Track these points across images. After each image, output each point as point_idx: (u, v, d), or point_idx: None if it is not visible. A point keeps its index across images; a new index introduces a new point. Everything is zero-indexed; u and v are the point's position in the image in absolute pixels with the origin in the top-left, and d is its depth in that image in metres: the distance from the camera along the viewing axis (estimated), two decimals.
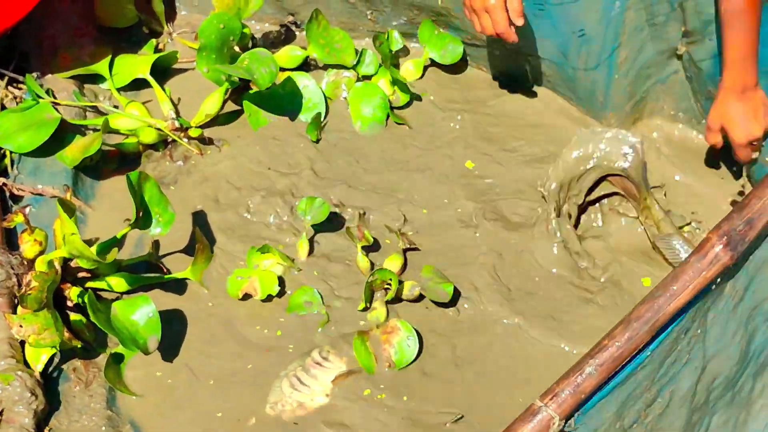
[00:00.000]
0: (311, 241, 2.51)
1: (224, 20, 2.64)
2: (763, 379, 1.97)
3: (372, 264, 2.48)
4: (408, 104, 2.83)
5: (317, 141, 2.71)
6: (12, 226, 2.31)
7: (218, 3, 2.73)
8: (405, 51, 2.89)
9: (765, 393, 2.00)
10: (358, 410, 2.26)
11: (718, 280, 2.01)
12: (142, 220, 2.34)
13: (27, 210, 2.40)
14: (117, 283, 2.37)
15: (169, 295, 2.42)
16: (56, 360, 2.27)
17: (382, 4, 2.83)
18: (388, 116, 2.78)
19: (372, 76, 2.82)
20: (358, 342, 2.31)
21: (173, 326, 2.37)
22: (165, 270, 2.44)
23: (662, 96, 2.75)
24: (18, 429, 2.06)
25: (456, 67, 2.89)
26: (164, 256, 2.47)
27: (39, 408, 2.12)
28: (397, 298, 2.42)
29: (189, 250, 2.47)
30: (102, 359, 2.29)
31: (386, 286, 2.39)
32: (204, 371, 2.32)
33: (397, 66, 2.86)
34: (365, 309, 2.40)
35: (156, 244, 2.43)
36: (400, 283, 2.40)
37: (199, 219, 2.54)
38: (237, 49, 2.72)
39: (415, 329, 2.34)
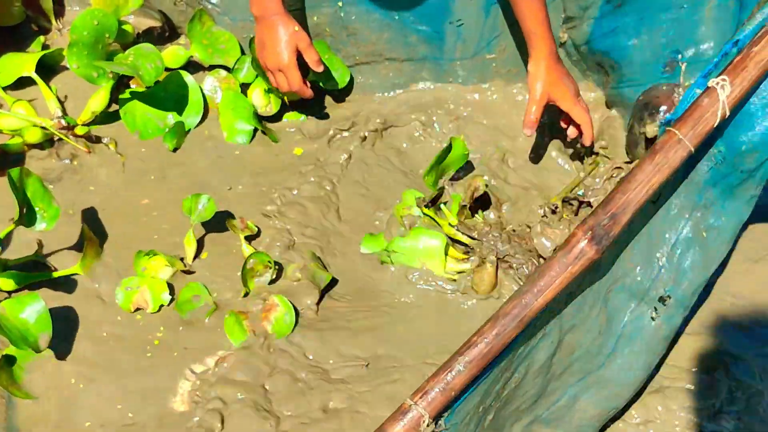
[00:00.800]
0: (199, 240, 2.50)
1: (98, 17, 2.61)
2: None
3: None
4: (279, 115, 2.81)
5: (174, 150, 2.69)
6: None
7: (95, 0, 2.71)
8: None
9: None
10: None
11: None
12: (26, 216, 2.30)
13: None
14: (3, 282, 2.32)
15: (60, 294, 2.38)
16: None
17: None
18: (256, 130, 2.75)
19: (250, 84, 2.78)
20: (231, 320, 2.30)
21: (66, 323, 2.33)
22: (52, 268, 2.40)
23: None
24: None
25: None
26: (52, 253, 2.44)
27: None
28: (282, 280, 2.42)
29: (78, 247, 2.43)
30: None
31: (274, 267, 2.38)
32: (102, 366, 2.29)
33: None
34: (247, 295, 2.39)
35: (42, 243, 2.39)
36: (282, 265, 2.40)
37: (87, 215, 2.51)
38: (117, 45, 2.69)
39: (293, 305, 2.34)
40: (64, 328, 2.31)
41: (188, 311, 2.36)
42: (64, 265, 2.42)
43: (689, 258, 2.15)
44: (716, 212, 2.11)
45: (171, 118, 2.72)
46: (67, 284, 2.40)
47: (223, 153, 2.71)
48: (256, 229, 2.47)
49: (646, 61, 2.46)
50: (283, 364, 2.27)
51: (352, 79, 2.85)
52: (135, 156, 2.66)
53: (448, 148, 2.52)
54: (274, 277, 2.39)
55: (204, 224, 2.51)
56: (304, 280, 2.38)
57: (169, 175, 2.64)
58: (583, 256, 1.92)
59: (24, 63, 2.68)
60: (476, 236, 2.44)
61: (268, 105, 2.76)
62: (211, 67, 2.81)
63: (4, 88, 2.68)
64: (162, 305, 2.38)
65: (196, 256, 2.47)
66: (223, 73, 2.80)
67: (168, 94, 2.73)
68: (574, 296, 2.08)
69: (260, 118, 2.76)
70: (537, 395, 2.11)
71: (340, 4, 2.72)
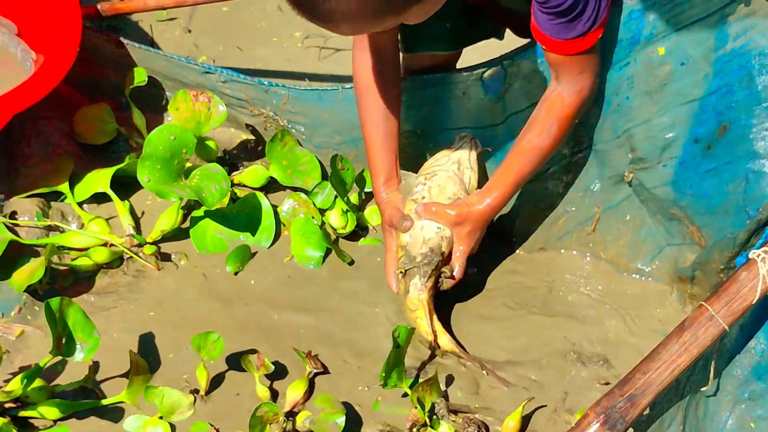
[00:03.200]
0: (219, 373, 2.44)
1: (175, 132, 2.59)
2: None
3: (274, 393, 2.37)
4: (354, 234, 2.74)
5: (236, 273, 2.64)
6: None
7: (176, 115, 2.71)
8: None
9: None
10: None
11: None
12: (66, 346, 2.30)
13: None
14: (48, 411, 2.32)
15: (107, 423, 2.35)
16: None
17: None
18: (329, 251, 2.68)
19: (327, 210, 2.73)
20: None
21: None
22: (99, 394, 2.38)
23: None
24: None
25: None
26: (105, 380, 2.42)
27: None
28: (295, 430, 2.30)
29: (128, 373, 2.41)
30: None
31: (282, 418, 2.27)
32: None
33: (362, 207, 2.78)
34: None
35: (94, 368, 2.38)
36: (295, 414, 2.31)
37: (142, 337, 2.49)
38: (200, 162, 2.70)
39: None
40: None
41: None
42: (114, 391, 2.39)
43: None
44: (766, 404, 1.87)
45: (243, 239, 2.68)
46: (114, 413, 2.36)
47: (290, 274, 2.66)
48: (273, 367, 2.37)
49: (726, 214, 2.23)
50: None
51: None
52: (200, 275, 2.63)
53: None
54: (286, 428, 2.29)
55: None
56: None
57: (231, 298, 2.59)
58: None
59: (99, 179, 2.70)
60: None
61: (345, 225, 2.69)
62: (293, 188, 2.77)
63: (82, 203, 2.70)
64: None
65: (212, 390, 2.40)
66: (304, 196, 2.75)
67: (242, 215, 2.70)
68: None
69: (337, 239, 2.70)
70: None
71: (418, 131, 2.66)
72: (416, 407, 2.26)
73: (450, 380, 2.43)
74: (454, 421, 2.29)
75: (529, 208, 2.63)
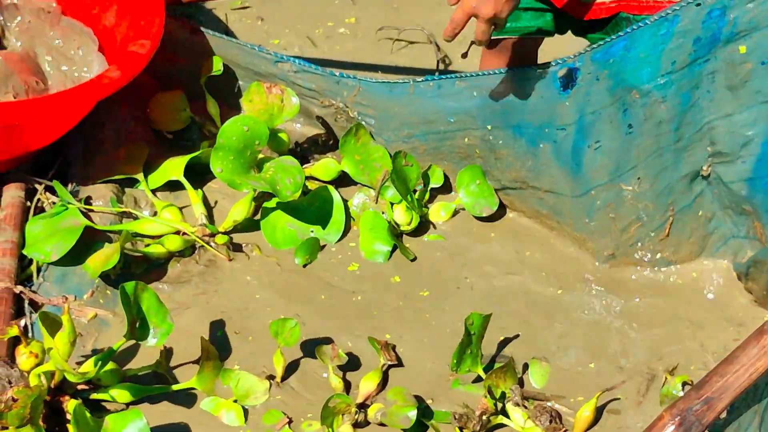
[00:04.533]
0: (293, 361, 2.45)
1: (249, 123, 2.61)
2: None
3: (347, 383, 2.38)
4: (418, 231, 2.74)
5: (304, 266, 2.66)
6: (5, 339, 2.33)
7: (249, 107, 2.72)
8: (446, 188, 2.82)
9: None
10: None
11: None
12: (139, 330, 2.32)
13: (24, 321, 2.42)
14: (119, 394, 2.35)
15: (177, 408, 2.37)
16: None
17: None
18: (393, 250, 2.69)
19: (395, 204, 2.74)
20: None
21: None
22: (169, 380, 2.41)
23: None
24: None
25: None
26: (177, 366, 2.45)
27: None
28: (367, 421, 2.31)
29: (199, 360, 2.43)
30: None
31: (354, 410, 2.28)
32: None
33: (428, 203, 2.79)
34: None
35: (165, 353, 2.41)
36: (367, 406, 2.31)
37: (213, 326, 2.51)
38: (272, 153, 2.72)
39: None
40: None
41: None
42: (186, 377, 2.42)
43: None
44: None
45: (313, 232, 2.70)
46: (185, 398, 2.39)
47: (359, 268, 2.68)
48: (346, 358, 2.38)
49: None
50: None
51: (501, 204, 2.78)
52: (271, 266, 2.64)
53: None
54: (358, 420, 2.30)
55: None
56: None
57: (302, 290, 2.61)
58: None
59: (174, 166, 2.72)
60: None
61: (409, 221, 2.70)
62: (364, 184, 2.79)
63: (156, 191, 2.73)
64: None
65: (287, 377, 2.41)
66: (373, 192, 2.76)
67: (312, 208, 2.71)
68: None
69: (401, 234, 2.71)
70: None
71: (489, 127, 2.63)
72: (486, 396, 2.26)
73: (525, 367, 2.43)
74: (526, 408, 2.29)
75: (601, 217, 2.62)
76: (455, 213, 2.78)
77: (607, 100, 2.46)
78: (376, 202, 2.73)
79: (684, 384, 2.31)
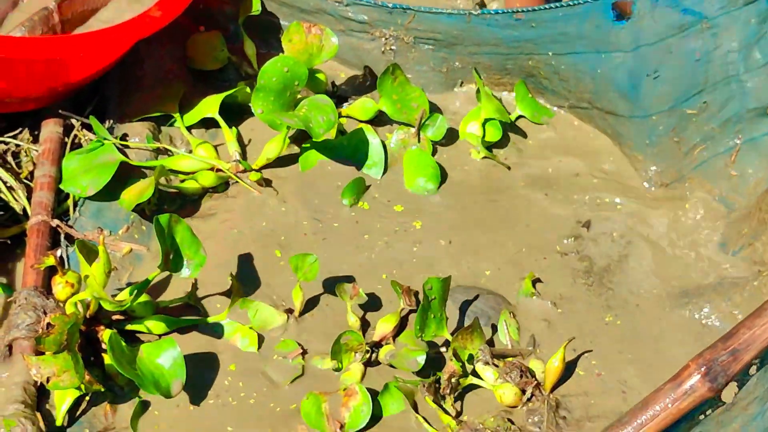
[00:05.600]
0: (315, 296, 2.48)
1: (289, 64, 2.63)
2: None
3: (366, 323, 2.41)
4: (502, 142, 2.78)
5: (351, 206, 2.67)
6: (42, 268, 2.36)
7: (288, 47, 2.73)
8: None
9: None
10: None
11: (708, 411, 1.83)
12: (173, 262, 2.35)
13: (59, 252, 2.45)
14: (154, 325, 2.39)
15: (208, 339, 2.41)
16: (84, 404, 2.29)
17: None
18: (439, 185, 2.72)
19: (437, 142, 2.77)
20: (308, 403, 2.23)
21: (204, 371, 2.36)
22: (202, 312, 2.44)
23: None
24: None
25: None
26: (207, 296, 2.48)
27: None
28: (377, 361, 2.34)
29: (229, 293, 2.46)
30: (130, 406, 2.30)
31: (366, 348, 2.31)
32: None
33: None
34: (337, 369, 2.33)
35: (196, 287, 2.44)
36: (380, 346, 2.33)
37: (242, 259, 2.54)
38: (310, 93, 2.73)
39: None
40: (201, 375, 2.34)
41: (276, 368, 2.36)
42: (217, 309, 2.45)
43: None
44: None
45: (352, 171, 2.71)
46: (215, 329, 2.42)
47: (401, 205, 2.69)
48: (366, 298, 2.40)
49: None
50: None
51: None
52: (303, 203, 2.67)
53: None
54: (369, 358, 2.33)
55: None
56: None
57: (334, 226, 2.63)
58: (694, 393, 1.73)
59: (209, 104, 2.74)
60: None
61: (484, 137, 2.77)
62: (401, 123, 2.80)
63: (191, 128, 2.75)
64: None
65: (304, 312, 2.44)
66: (412, 129, 2.77)
67: (350, 147, 2.73)
68: None
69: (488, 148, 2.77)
70: None
71: (550, 53, 2.71)
72: (452, 359, 2.26)
73: (495, 328, 2.43)
74: (497, 366, 2.29)
75: (663, 141, 2.64)
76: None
77: (666, 32, 2.51)
78: (419, 141, 2.75)
79: None
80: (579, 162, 2.78)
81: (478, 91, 2.77)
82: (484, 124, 2.76)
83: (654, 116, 2.61)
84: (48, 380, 2.16)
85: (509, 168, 2.75)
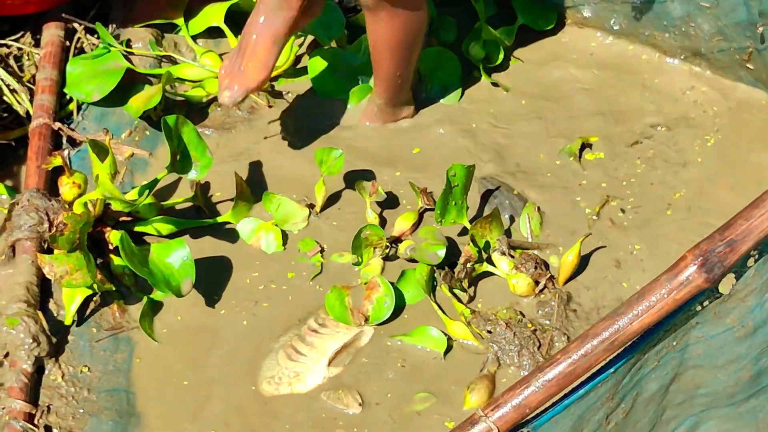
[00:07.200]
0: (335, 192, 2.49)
1: None
2: None
3: (383, 220, 2.42)
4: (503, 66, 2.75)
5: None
6: (49, 168, 2.38)
7: None
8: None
9: None
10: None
11: (705, 303, 1.83)
12: (180, 163, 2.35)
13: (66, 153, 2.46)
14: (162, 227, 2.39)
15: (215, 241, 2.43)
16: (93, 304, 2.31)
17: None
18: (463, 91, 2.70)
19: (450, 43, 2.73)
20: (332, 296, 2.26)
21: (213, 270, 2.38)
22: (207, 214, 2.46)
23: None
24: (17, 373, 2.11)
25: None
26: (217, 202, 2.49)
27: (41, 354, 2.15)
28: (396, 256, 2.36)
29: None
30: (139, 306, 2.31)
31: (386, 243, 2.33)
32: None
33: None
34: (357, 264, 2.34)
35: (200, 187, 2.44)
36: (399, 241, 2.35)
37: (251, 165, 2.54)
38: None
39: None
40: (210, 275, 2.36)
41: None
42: (222, 212, 2.47)
43: None
44: None
45: (362, 79, 2.69)
46: (221, 232, 2.43)
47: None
48: (385, 195, 2.41)
49: None
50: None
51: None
52: (312, 112, 2.66)
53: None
54: (388, 253, 2.35)
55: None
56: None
57: (345, 129, 2.63)
58: (691, 283, 1.70)
59: (215, 13, 2.72)
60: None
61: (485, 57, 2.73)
62: None
63: (196, 38, 2.75)
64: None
65: (325, 208, 2.46)
66: None
67: (360, 55, 2.68)
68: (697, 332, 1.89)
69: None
70: (651, 423, 1.92)
71: None
72: (469, 243, 2.28)
73: (512, 220, 2.44)
74: (512, 256, 2.32)
75: (679, 24, 2.63)
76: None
77: None
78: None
79: None
80: None
81: None
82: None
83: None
84: (61, 279, 2.17)
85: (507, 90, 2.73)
